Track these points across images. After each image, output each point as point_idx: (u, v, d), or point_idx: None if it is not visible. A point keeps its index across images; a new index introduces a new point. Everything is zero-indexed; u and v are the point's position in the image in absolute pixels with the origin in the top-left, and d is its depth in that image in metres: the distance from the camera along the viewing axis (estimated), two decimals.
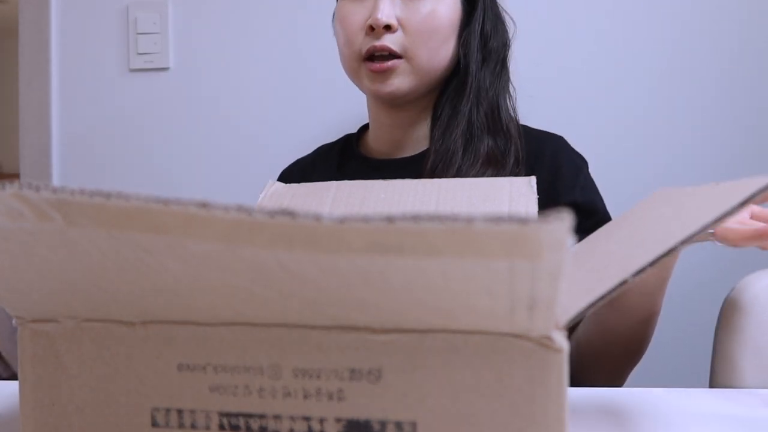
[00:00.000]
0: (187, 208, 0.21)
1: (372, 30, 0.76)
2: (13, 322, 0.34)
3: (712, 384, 0.63)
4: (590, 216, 0.75)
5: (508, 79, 0.81)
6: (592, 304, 0.28)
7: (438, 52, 0.77)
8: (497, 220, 0.19)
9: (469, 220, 0.19)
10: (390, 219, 0.21)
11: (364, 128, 0.91)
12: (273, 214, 0.20)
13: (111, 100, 1.33)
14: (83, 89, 1.34)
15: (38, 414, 0.33)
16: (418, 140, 0.82)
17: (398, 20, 0.75)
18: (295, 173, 0.91)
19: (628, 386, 0.61)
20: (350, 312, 0.28)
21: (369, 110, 0.87)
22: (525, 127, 0.82)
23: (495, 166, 0.74)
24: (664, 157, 1.14)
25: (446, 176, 0.72)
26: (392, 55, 0.76)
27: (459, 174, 0.73)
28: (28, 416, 0.34)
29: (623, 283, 0.27)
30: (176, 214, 0.22)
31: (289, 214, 0.20)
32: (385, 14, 0.74)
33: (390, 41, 0.75)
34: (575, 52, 1.16)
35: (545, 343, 0.27)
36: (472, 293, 0.24)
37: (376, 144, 0.87)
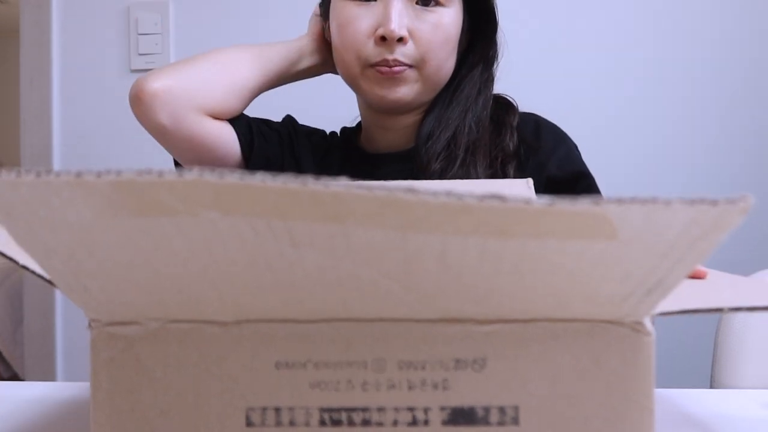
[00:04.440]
0: (394, 193, 0.22)
1: (382, 40, 0.75)
2: (87, 324, 0.32)
3: (712, 384, 0.66)
4: (575, 185, 0.78)
5: (492, 86, 0.85)
6: (679, 312, 0.32)
7: (446, 63, 0.79)
8: (691, 202, 0.22)
9: (667, 203, 0.22)
10: (596, 203, 0.23)
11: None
12: (483, 198, 0.22)
13: (112, 101, 1.29)
14: (84, 89, 1.30)
15: (115, 421, 0.32)
16: (411, 139, 0.84)
17: (408, 30, 0.76)
18: (317, 142, 0.91)
19: None
20: (465, 304, 0.30)
21: (361, 112, 0.88)
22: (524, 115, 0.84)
23: (484, 167, 0.77)
24: (661, 157, 1.25)
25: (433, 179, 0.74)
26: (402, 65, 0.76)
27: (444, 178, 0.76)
28: (102, 424, 0.32)
29: (718, 310, 0.31)
30: (376, 200, 0.23)
31: (500, 198, 0.22)
32: (399, 25, 0.74)
33: (402, 54, 0.76)
34: (573, 53, 1.25)
35: (637, 328, 0.31)
36: (606, 279, 0.27)
37: (369, 142, 0.88)
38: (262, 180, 0.23)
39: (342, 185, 0.23)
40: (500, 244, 0.25)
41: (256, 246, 0.27)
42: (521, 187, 0.54)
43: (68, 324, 1.42)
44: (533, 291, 0.29)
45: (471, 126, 0.79)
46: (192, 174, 0.24)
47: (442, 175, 0.75)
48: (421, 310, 0.31)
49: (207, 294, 0.30)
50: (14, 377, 2.46)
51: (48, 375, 1.40)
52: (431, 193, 0.22)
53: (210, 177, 0.24)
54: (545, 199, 0.22)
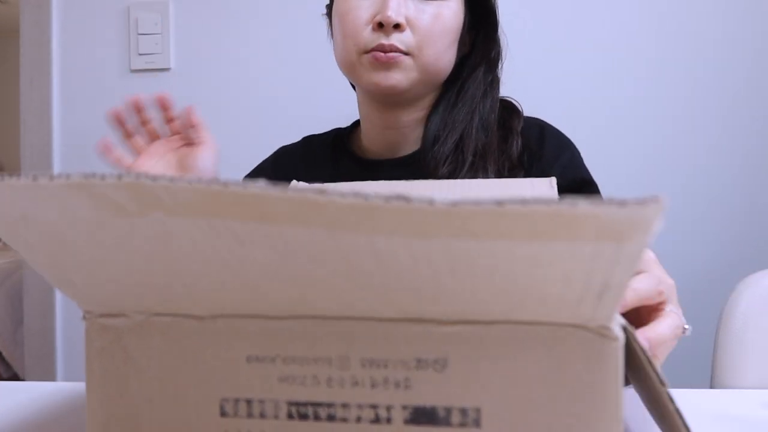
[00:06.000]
0: (304, 194, 0.23)
1: (380, 27, 0.76)
2: (82, 316, 0.35)
3: (712, 384, 0.65)
4: (578, 193, 0.76)
5: (498, 89, 0.83)
6: None
7: (444, 54, 0.79)
8: (598, 202, 0.21)
9: (573, 203, 0.21)
10: (499, 203, 0.23)
11: (356, 124, 0.92)
12: (389, 198, 0.22)
13: (112, 101, 1.35)
14: (84, 89, 1.33)
15: (106, 406, 0.34)
16: (411, 141, 0.84)
17: (406, 19, 0.76)
18: (283, 162, 0.92)
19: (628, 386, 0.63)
20: (423, 304, 0.30)
21: (360, 110, 0.88)
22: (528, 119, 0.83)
23: (489, 170, 0.75)
24: (663, 157, 1.20)
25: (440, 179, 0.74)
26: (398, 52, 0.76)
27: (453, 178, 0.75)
28: (95, 409, 0.35)
29: None
30: (290, 200, 0.23)
31: (404, 198, 0.22)
32: (396, 12, 0.75)
33: (398, 40, 0.76)
34: (573, 53, 1.22)
35: (603, 333, 0.30)
36: (548, 280, 0.26)
37: (369, 144, 0.88)
38: (188, 182, 0.24)
39: (259, 186, 0.24)
40: (425, 245, 0.25)
41: (206, 244, 0.28)
42: (544, 187, 0.53)
43: (68, 324, 1.42)
44: (483, 292, 0.28)
45: (479, 129, 0.78)
46: (130, 177, 0.25)
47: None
48: (380, 309, 0.31)
49: (177, 290, 0.32)
50: (14, 377, 2.45)
51: (48, 375, 1.41)
52: (339, 194, 0.23)
53: (146, 180, 0.25)
54: (491, 201, 0.22)
